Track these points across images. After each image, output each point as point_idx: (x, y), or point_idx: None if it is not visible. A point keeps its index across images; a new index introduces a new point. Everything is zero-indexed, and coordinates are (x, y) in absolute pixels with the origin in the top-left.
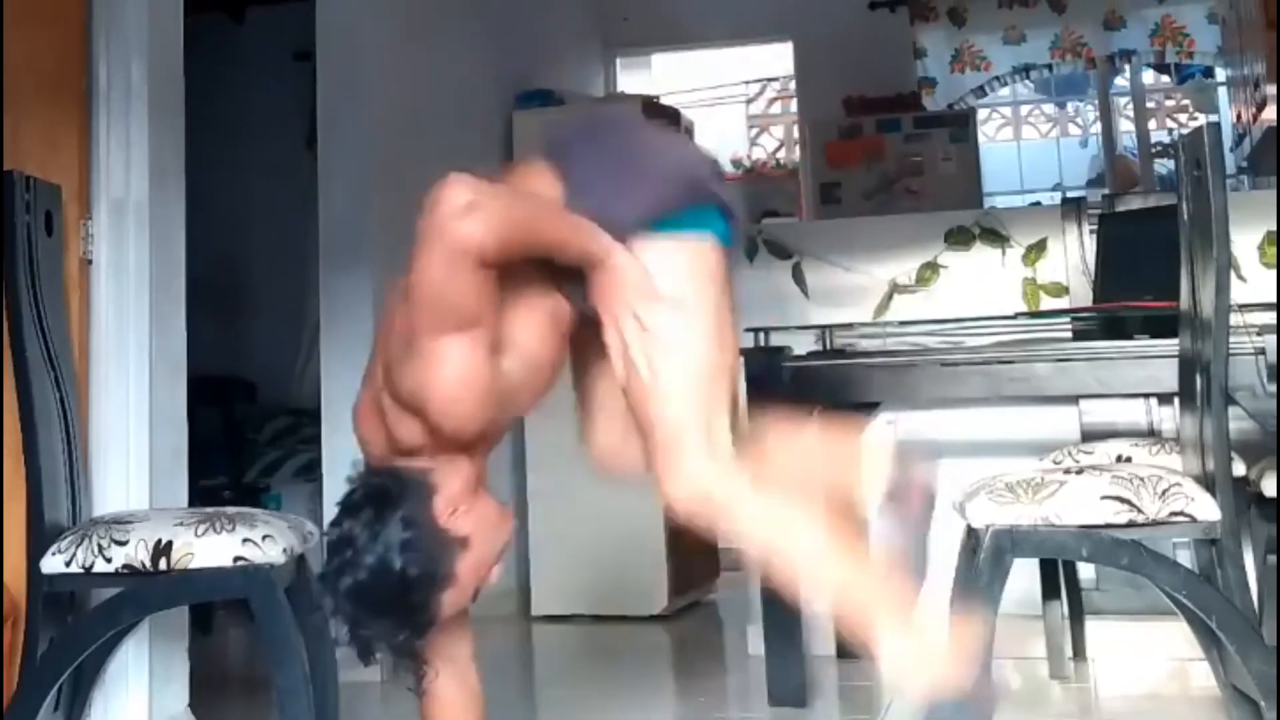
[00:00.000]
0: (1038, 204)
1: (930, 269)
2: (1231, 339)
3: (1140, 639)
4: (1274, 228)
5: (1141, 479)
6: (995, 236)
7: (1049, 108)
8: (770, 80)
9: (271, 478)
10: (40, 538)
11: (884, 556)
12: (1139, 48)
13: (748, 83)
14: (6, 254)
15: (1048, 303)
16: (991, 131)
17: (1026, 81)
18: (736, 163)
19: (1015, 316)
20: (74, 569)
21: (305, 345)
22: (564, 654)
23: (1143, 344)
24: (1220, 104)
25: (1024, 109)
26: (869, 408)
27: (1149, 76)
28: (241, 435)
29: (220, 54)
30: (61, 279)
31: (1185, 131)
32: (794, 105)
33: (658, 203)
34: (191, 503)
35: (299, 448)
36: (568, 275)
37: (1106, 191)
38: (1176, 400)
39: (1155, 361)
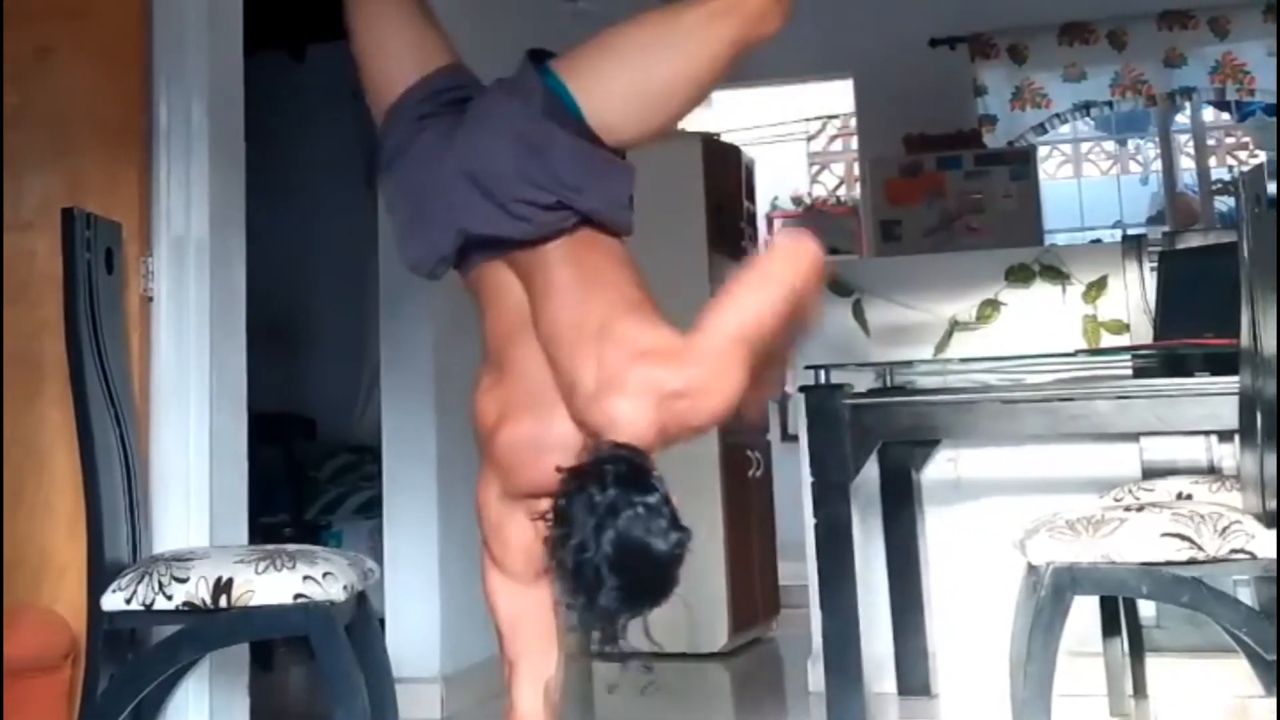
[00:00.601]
0: (1098, 241)
1: (991, 306)
2: None
3: (1201, 676)
4: None
5: (1202, 516)
6: (1056, 274)
7: (1109, 145)
8: (831, 118)
9: (332, 515)
10: (101, 575)
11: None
12: (1199, 85)
13: (808, 120)
14: (68, 291)
15: (1108, 340)
16: (1052, 169)
17: (1087, 119)
18: (797, 200)
19: (1075, 354)
20: (134, 606)
21: (366, 382)
22: (624, 691)
23: (1203, 381)
24: None
25: (1084, 146)
26: (929, 445)
27: (1209, 114)
28: (302, 472)
29: (280, 92)
30: (122, 316)
31: (1246, 169)
32: (854, 142)
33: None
34: (252, 540)
35: (359, 485)
36: None
37: (1167, 229)
38: (1237, 437)
39: (1216, 399)
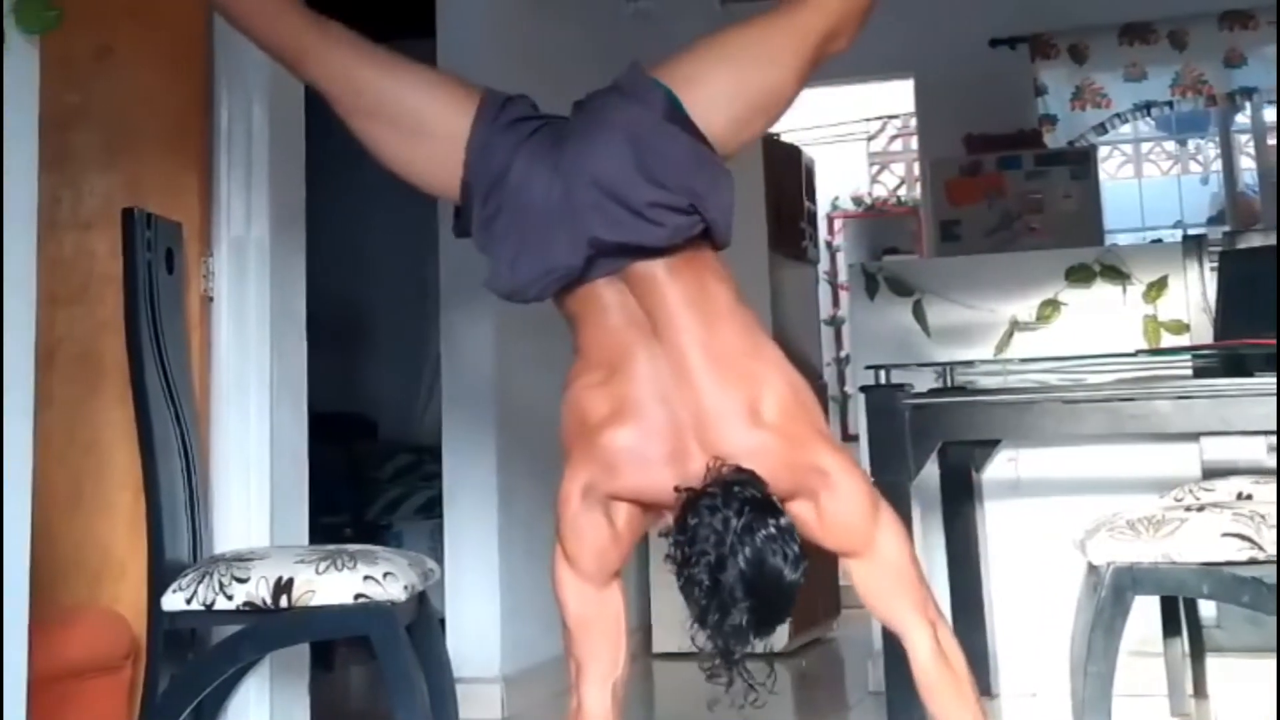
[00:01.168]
0: (1158, 241)
1: (1051, 306)
2: None
3: (1262, 676)
4: None
5: (1263, 516)
6: (1116, 274)
7: (1170, 145)
8: (891, 118)
9: (393, 515)
10: (161, 575)
11: None
12: (1260, 85)
13: (869, 120)
14: (128, 291)
15: (1168, 340)
16: (1112, 169)
17: (1147, 119)
18: (857, 200)
19: (1136, 354)
20: (195, 606)
21: (426, 382)
22: (685, 691)
23: (1264, 381)
24: None
25: (1145, 146)
26: (990, 445)
27: (1270, 114)
28: (363, 472)
29: None
30: (182, 316)
31: None
32: (915, 142)
33: None
34: (312, 540)
35: (420, 485)
36: None
37: (1227, 228)
38: None
39: (1276, 399)
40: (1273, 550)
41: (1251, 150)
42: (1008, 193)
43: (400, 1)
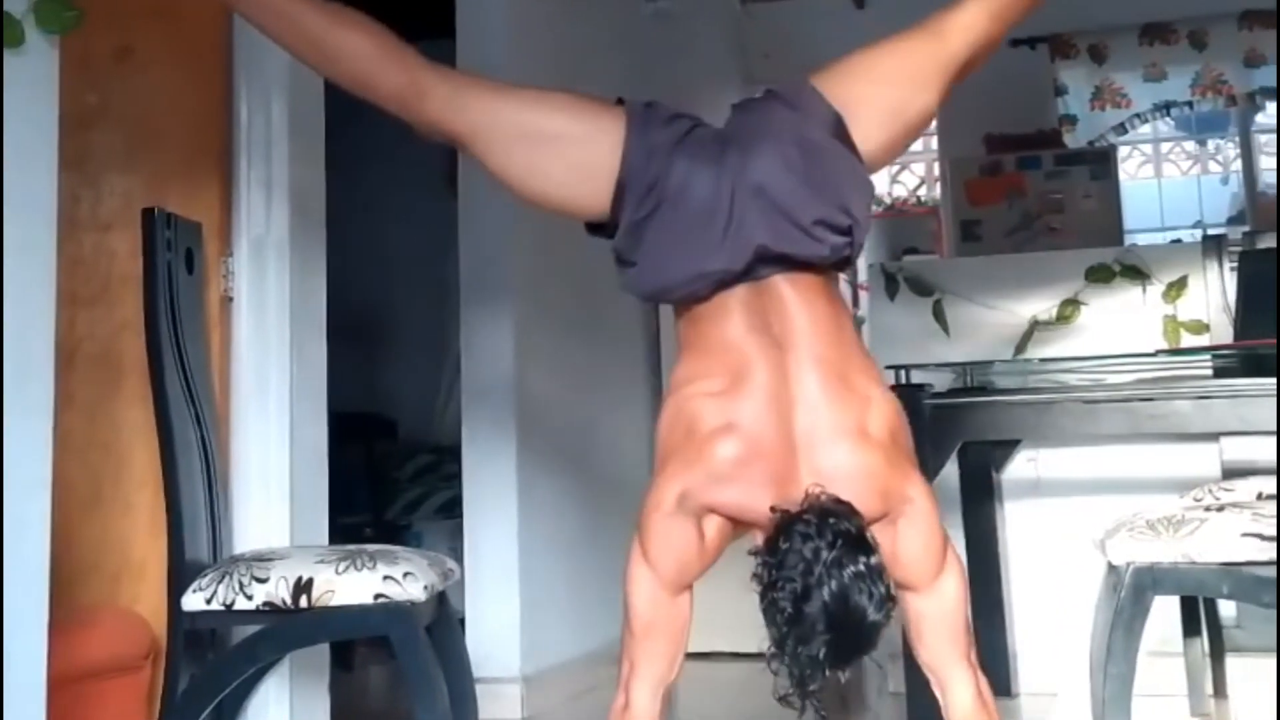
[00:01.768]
0: (1178, 241)
1: (1071, 306)
2: None
3: None
4: None
5: None
6: (1136, 274)
7: (1189, 145)
8: None
9: (413, 515)
10: (181, 575)
11: None
12: None
13: None
14: (148, 291)
15: (1188, 340)
16: (1132, 169)
17: (1167, 119)
18: (877, 200)
19: (1156, 354)
20: (215, 606)
21: (446, 383)
22: (705, 692)
23: None
24: None
25: (1164, 146)
26: (1010, 445)
27: None
28: (383, 472)
29: None
30: (202, 316)
31: None
32: (934, 142)
33: None
34: (332, 540)
35: (440, 485)
36: None
37: (1247, 229)
38: None
39: (1277, 398)
40: None
41: (1271, 150)
42: (1028, 193)
43: (419, 1)
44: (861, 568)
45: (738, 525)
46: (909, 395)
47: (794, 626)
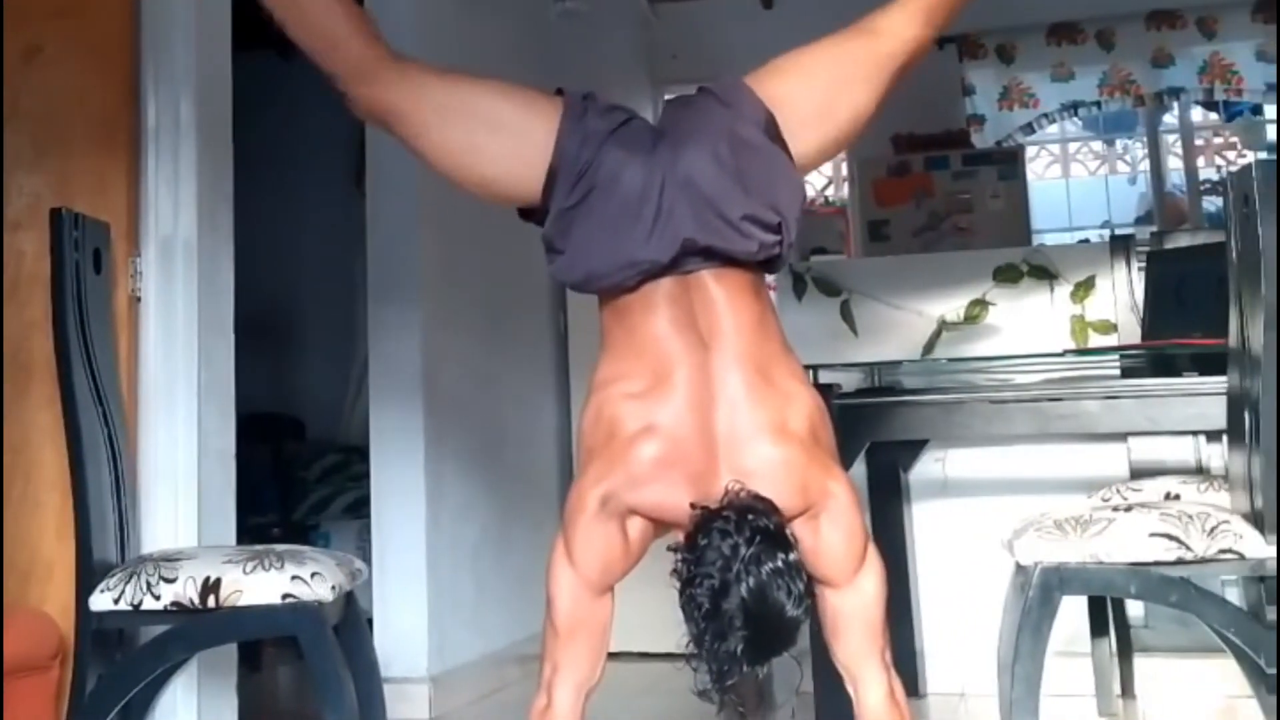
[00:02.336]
0: (1086, 241)
1: (979, 306)
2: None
3: (1189, 676)
4: None
5: (1190, 516)
6: (1044, 274)
7: (1097, 145)
8: None
9: (320, 515)
10: (89, 575)
11: None
12: (1187, 85)
13: None
14: (56, 291)
15: (1096, 340)
16: (1040, 169)
17: (1075, 119)
18: None
19: (1064, 354)
20: (122, 606)
21: (354, 382)
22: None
23: (1191, 381)
24: (1269, 141)
25: (1072, 146)
26: (917, 445)
27: (1197, 114)
28: (290, 473)
29: (269, 91)
30: (110, 316)
31: (1233, 169)
32: None
33: None
34: (240, 540)
35: (348, 485)
36: None
37: (1155, 229)
38: (1225, 437)
39: (1204, 399)
40: (1200, 550)
41: (1179, 150)
42: (935, 193)
43: None
44: (780, 564)
45: (660, 525)
46: None
47: (712, 622)
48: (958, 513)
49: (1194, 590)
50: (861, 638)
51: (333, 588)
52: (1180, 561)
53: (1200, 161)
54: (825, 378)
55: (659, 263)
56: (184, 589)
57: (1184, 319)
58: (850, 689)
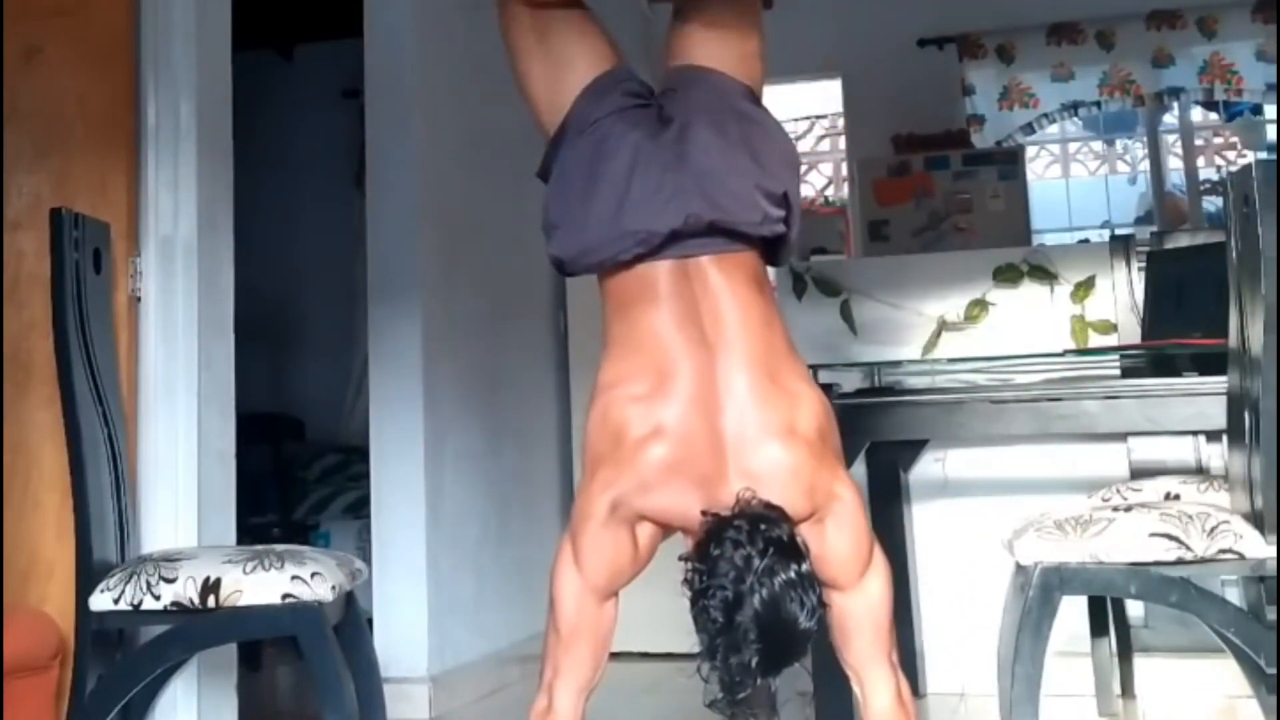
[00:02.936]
0: (1086, 241)
1: (979, 306)
2: None
3: (1189, 677)
4: None
5: (1190, 516)
6: (1044, 274)
7: (1097, 145)
8: (819, 118)
9: (320, 515)
10: (88, 575)
11: None
12: (1187, 85)
13: (796, 120)
14: (56, 291)
15: (1096, 340)
16: (1040, 169)
17: (1075, 119)
18: None
19: (1064, 354)
20: (122, 606)
21: (354, 382)
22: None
23: (1191, 381)
24: (1269, 141)
25: (1072, 146)
26: (917, 445)
27: (1197, 114)
28: (290, 473)
29: (269, 91)
30: (110, 316)
31: (1233, 169)
32: (843, 142)
33: None
34: (240, 540)
35: (348, 485)
36: None
37: (1155, 229)
38: (1225, 437)
39: (1204, 399)
40: (1200, 550)
41: (1179, 150)
42: (935, 193)
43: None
44: (793, 575)
45: (668, 529)
46: None
47: (725, 634)
48: (958, 513)
49: (1194, 590)
50: (868, 640)
51: (333, 588)
52: (1180, 561)
53: (1200, 161)
54: (825, 378)
55: (658, 233)
56: (184, 589)
57: (1184, 319)
58: (857, 690)
